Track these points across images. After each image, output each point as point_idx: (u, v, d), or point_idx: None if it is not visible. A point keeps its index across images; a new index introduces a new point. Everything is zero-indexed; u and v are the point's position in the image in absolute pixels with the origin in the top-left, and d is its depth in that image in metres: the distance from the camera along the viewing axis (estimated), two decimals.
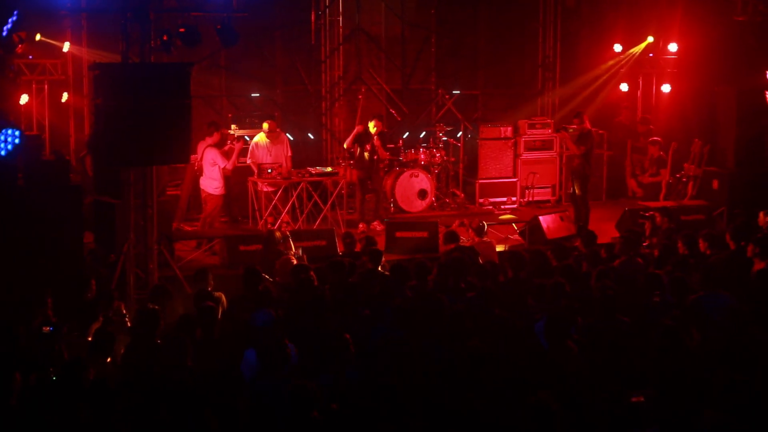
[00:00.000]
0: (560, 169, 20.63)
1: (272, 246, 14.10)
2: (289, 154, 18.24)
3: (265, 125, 18.06)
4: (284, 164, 17.80)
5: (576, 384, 8.13)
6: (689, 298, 10.47)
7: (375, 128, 18.46)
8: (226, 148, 17.62)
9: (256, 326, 9.91)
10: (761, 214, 15.29)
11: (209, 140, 17.12)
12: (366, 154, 18.38)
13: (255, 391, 8.35)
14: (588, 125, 17.97)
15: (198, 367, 8.91)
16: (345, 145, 18.77)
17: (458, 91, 21.91)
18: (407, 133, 21.10)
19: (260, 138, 18.12)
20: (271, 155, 17.98)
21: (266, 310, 10.20)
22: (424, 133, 21.01)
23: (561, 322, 9.19)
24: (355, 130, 18.54)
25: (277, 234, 14.45)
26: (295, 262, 13.07)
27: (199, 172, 17.35)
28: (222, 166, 17.12)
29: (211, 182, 17.20)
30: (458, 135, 20.81)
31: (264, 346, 8.73)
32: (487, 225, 16.18)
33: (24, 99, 18.14)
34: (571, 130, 18.65)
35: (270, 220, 17.40)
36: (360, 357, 8.85)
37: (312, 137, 21.08)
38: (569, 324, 9.26)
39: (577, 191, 17.92)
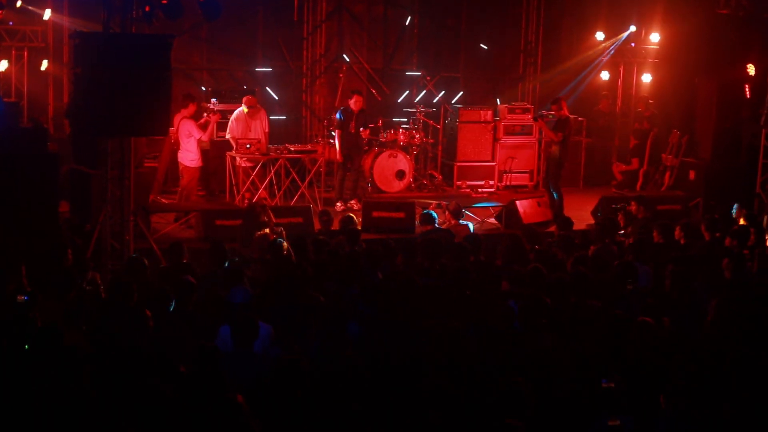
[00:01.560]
0: (539, 155, 20.65)
1: (253, 219, 14.10)
2: (267, 130, 18.21)
3: (245, 100, 18.03)
4: (263, 140, 17.77)
5: (548, 368, 8.16)
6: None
7: (356, 104, 18.38)
8: (203, 120, 17.58)
9: (233, 303, 9.88)
10: (736, 207, 15.42)
11: (185, 112, 17.06)
12: (352, 132, 18.35)
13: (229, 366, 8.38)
14: (566, 112, 17.95)
15: (169, 339, 8.94)
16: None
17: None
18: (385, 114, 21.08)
19: (239, 113, 18.10)
20: (250, 130, 17.96)
21: (243, 287, 10.17)
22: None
23: (535, 306, 9.25)
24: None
25: (258, 208, 14.45)
26: (273, 237, 13.03)
27: (176, 145, 17.30)
28: (198, 138, 17.10)
29: (187, 154, 17.17)
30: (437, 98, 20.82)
31: (237, 322, 8.75)
32: (464, 208, 16.28)
33: (3, 65, 18.02)
34: (550, 117, 18.69)
35: (247, 195, 17.42)
36: (333, 335, 8.87)
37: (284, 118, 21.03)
38: (542, 308, 9.32)
39: (550, 177, 17.88)
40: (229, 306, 9.79)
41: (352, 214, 14.66)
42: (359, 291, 10.18)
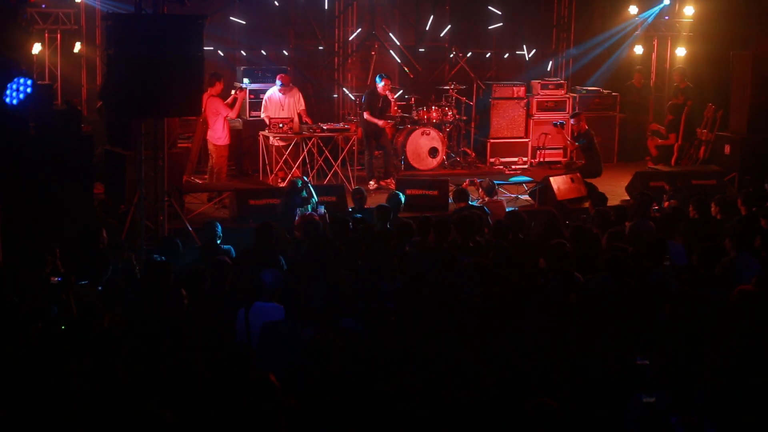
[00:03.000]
0: (572, 131, 20.56)
1: (294, 195, 14.15)
2: (303, 108, 18.25)
3: (279, 78, 18.10)
4: (295, 119, 17.79)
5: (580, 344, 8.14)
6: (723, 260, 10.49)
7: (385, 88, 18.36)
8: (230, 99, 17.63)
9: (265, 285, 9.87)
10: None
11: (211, 90, 17.11)
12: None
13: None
14: (585, 125, 17.87)
15: (203, 320, 8.99)
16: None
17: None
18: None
19: (273, 92, 18.13)
20: (283, 109, 18.00)
21: (273, 269, 10.13)
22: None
23: (565, 277, 9.24)
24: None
25: (301, 183, 14.50)
26: (317, 219, 13.03)
27: (204, 123, 17.36)
28: (225, 116, 17.17)
29: (215, 133, 17.26)
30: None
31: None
32: (498, 184, 16.23)
33: (36, 48, 18.08)
34: (569, 141, 18.63)
35: (281, 174, 17.45)
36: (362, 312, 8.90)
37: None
38: (572, 279, 9.31)
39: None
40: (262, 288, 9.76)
41: (398, 191, 14.67)
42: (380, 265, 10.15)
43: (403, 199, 14.10)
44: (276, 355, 8.27)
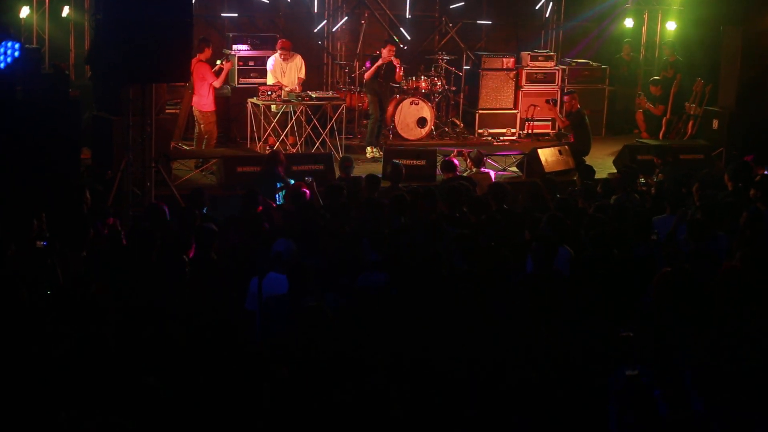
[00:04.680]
0: (561, 103, 20.55)
1: (273, 167, 14.10)
2: (302, 76, 18.26)
3: (279, 44, 18.30)
4: (297, 87, 17.89)
5: (564, 314, 8.16)
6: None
7: (389, 54, 18.36)
8: (217, 67, 17.60)
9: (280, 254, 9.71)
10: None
11: (200, 56, 17.05)
12: (381, 80, 18.41)
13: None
14: (577, 104, 17.90)
15: (191, 289, 8.98)
16: (366, 77, 18.59)
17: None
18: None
19: (274, 58, 18.26)
20: (284, 75, 18.03)
21: (285, 239, 9.99)
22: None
23: (547, 245, 9.24)
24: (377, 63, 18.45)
25: (280, 156, 14.44)
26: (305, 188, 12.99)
27: (190, 88, 17.30)
28: (210, 83, 17.11)
29: (200, 98, 17.24)
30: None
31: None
32: (486, 156, 16.23)
33: (24, 12, 18.00)
34: (560, 118, 18.72)
35: (271, 141, 17.44)
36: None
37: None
38: (554, 247, 9.31)
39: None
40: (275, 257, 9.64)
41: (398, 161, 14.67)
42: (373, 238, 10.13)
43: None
44: (278, 329, 8.24)
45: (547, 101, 19.09)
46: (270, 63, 18.29)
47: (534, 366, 6.87)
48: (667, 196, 12.22)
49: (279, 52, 18.14)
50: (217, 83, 17.37)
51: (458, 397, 6.73)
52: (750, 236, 10.87)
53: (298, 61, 18.35)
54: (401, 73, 18.94)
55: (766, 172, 14.24)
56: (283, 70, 18.10)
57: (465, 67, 20.82)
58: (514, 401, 6.51)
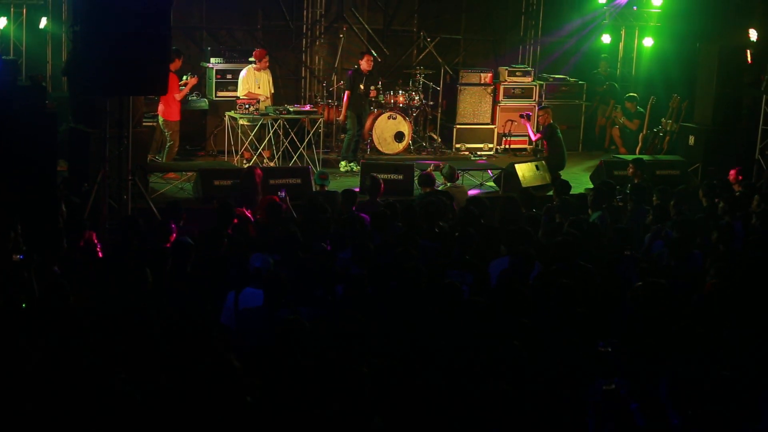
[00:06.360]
0: (536, 119, 20.60)
1: (250, 182, 14.05)
2: (272, 89, 18.27)
3: (255, 54, 18.24)
4: (270, 98, 17.93)
5: (540, 332, 8.16)
6: None
7: (368, 64, 18.38)
8: (182, 82, 17.59)
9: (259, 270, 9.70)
10: (732, 172, 15.45)
11: (170, 66, 16.99)
12: (361, 93, 18.38)
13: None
14: (549, 119, 17.92)
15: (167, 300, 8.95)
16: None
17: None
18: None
19: (248, 69, 18.20)
20: (259, 87, 18.00)
21: (261, 254, 9.98)
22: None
23: (519, 265, 9.27)
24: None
25: (257, 172, 14.37)
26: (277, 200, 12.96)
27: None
28: (173, 94, 17.06)
29: (167, 107, 17.25)
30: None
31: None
32: (463, 170, 16.25)
33: (1, 23, 17.93)
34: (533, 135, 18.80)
35: (246, 155, 17.40)
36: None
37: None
38: (527, 267, 9.34)
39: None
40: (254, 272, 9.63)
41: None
42: (355, 252, 10.13)
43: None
44: (254, 341, 8.22)
45: (521, 116, 19.11)
46: (243, 72, 18.21)
47: (511, 378, 6.86)
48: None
49: (257, 62, 18.07)
50: (178, 96, 17.30)
51: (436, 409, 6.73)
52: (723, 252, 10.94)
53: (269, 75, 18.34)
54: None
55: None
56: (258, 81, 18.06)
57: (443, 82, 20.89)
58: (491, 414, 6.50)
